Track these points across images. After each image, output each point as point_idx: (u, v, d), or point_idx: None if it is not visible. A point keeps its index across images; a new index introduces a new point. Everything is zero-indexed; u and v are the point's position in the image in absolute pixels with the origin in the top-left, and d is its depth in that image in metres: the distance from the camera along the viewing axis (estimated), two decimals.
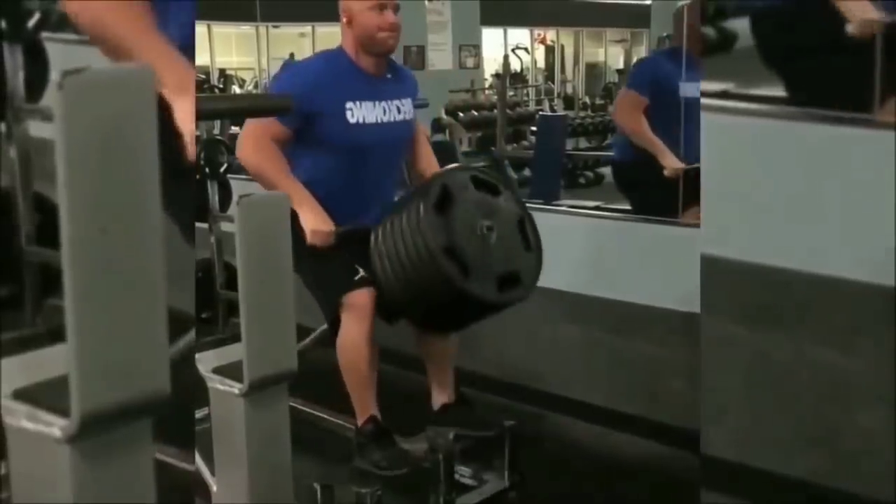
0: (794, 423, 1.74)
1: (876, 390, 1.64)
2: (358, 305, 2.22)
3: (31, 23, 1.59)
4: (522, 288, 2.15)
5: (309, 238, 2.22)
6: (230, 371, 1.81)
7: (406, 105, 2.44)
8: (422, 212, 2.06)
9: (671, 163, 3.23)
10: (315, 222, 2.24)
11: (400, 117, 2.41)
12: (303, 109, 2.22)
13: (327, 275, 2.28)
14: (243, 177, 2.59)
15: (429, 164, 2.55)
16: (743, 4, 2.00)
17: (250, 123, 2.33)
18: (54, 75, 1.07)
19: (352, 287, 2.22)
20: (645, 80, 3.41)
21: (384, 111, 2.37)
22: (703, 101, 1.81)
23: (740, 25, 2.02)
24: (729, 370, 1.79)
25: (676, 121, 3.20)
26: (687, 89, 3.19)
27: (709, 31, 2.14)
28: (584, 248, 3.20)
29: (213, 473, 1.96)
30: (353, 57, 2.36)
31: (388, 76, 2.41)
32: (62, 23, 1.74)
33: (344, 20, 2.35)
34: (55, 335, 1.18)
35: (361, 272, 2.23)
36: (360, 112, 2.32)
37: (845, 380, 1.69)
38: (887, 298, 1.54)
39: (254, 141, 2.29)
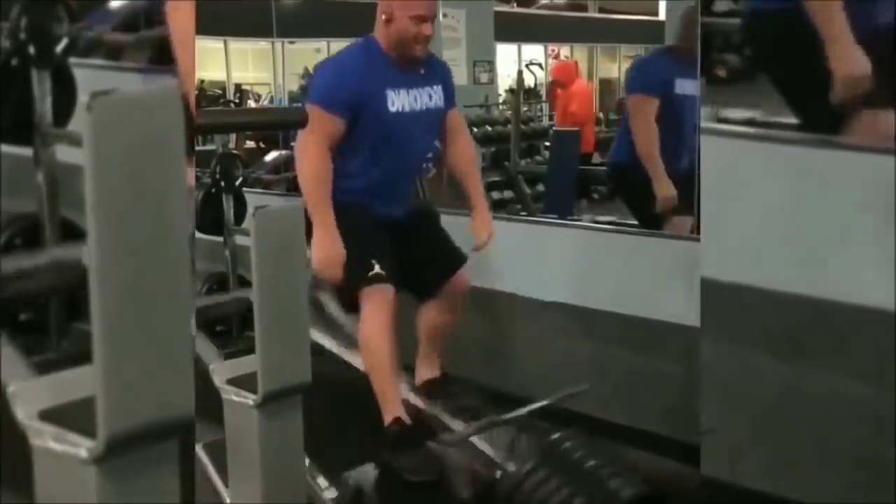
0: (792, 446, 1.74)
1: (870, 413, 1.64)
2: (376, 299, 2.25)
3: (60, 48, 1.61)
4: None
5: (315, 265, 2.22)
6: (244, 382, 1.81)
7: (437, 91, 2.46)
8: None
9: (666, 191, 3.19)
10: (325, 249, 2.25)
11: (431, 104, 2.44)
12: (353, 99, 2.29)
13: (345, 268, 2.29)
14: (258, 190, 2.61)
15: (465, 162, 2.56)
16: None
17: (307, 131, 2.27)
18: (82, 99, 1.08)
19: (367, 282, 2.24)
20: (656, 80, 3.30)
21: (415, 99, 2.40)
22: (703, 124, 1.80)
23: None
24: (726, 393, 1.79)
25: (682, 120, 3.19)
26: (687, 87, 3.15)
27: (733, 59, 2.12)
28: (595, 262, 3.19)
29: (226, 485, 1.96)
30: (385, 49, 2.39)
31: (420, 68, 2.44)
32: (90, 48, 1.77)
33: (383, 17, 2.36)
34: (80, 359, 1.17)
35: (377, 267, 2.25)
36: (399, 101, 2.36)
37: (848, 406, 1.68)
38: (887, 320, 1.54)
39: (313, 151, 2.28)
